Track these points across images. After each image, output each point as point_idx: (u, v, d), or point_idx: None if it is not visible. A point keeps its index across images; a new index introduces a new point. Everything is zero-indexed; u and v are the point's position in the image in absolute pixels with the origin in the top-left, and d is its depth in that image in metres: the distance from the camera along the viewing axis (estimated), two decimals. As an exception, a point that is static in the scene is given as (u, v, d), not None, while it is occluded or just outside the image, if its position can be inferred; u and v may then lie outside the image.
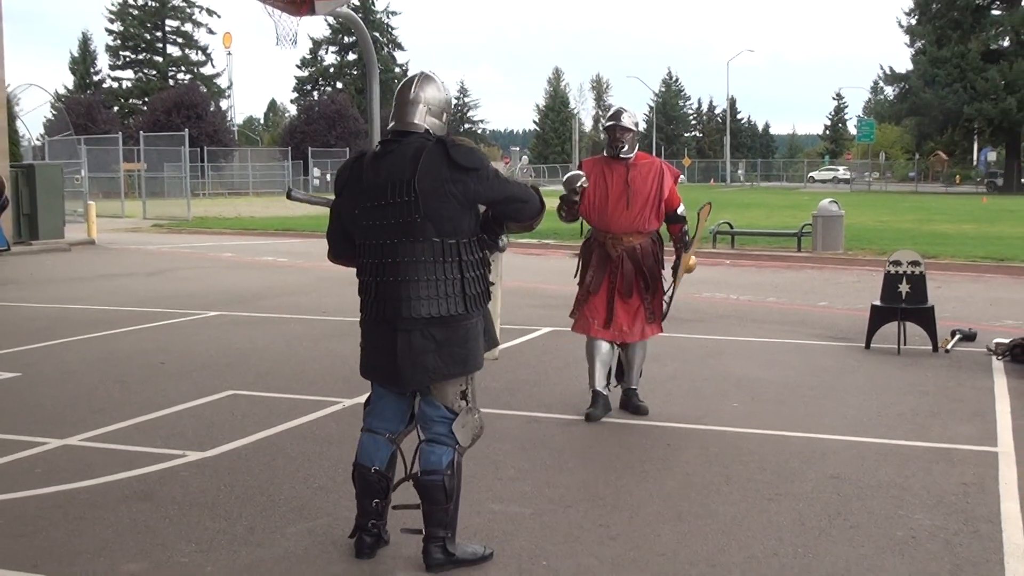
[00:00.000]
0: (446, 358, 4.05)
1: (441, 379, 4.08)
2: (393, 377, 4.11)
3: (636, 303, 6.54)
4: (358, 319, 4.24)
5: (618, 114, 6.63)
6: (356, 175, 4.14)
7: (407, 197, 3.97)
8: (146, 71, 79.17)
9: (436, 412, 4.13)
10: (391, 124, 4.17)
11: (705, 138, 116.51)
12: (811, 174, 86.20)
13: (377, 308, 4.08)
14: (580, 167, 6.53)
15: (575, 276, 6.82)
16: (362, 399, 7.06)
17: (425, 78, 4.23)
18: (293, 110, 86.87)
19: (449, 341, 4.05)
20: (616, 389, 6.87)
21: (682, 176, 7.29)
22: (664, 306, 6.71)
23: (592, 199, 6.49)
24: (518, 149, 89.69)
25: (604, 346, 6.63)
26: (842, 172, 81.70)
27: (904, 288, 9.12)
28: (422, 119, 4.13)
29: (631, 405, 6.80)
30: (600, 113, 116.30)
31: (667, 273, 6.78)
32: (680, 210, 6.64)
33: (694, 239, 6.82)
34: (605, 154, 6.66)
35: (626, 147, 6.53)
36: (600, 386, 6.66)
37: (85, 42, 79.16)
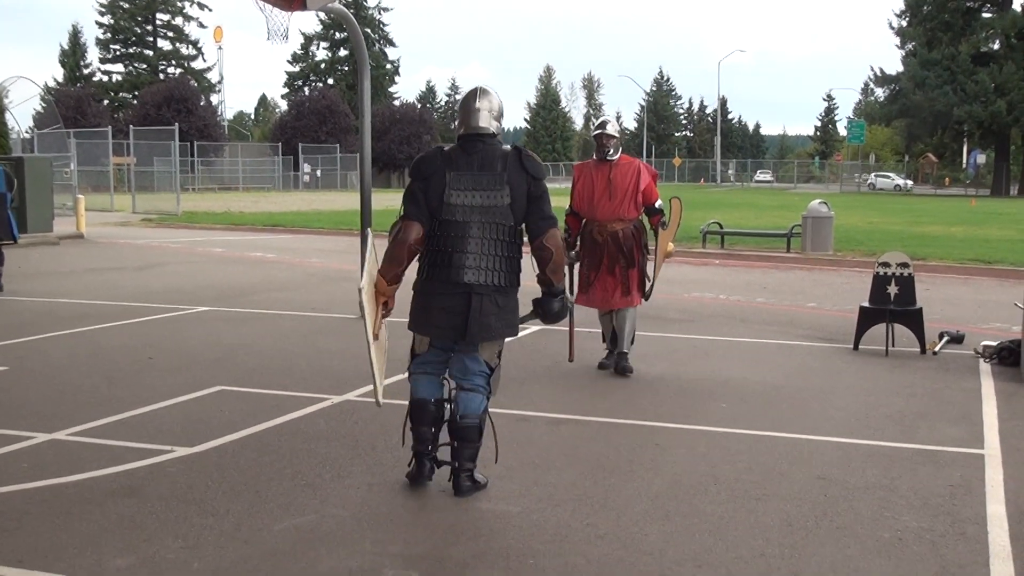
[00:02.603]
0: (502, 321, 4.96)
1: (497, 338, 4.98)
2: (459, 333, 4.89)
3: (618, 276, 7.85)
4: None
5: (604, 124, 8.03)
6: (446, 162, 4.92)
7: (498, 187, 4.87)
8: (136, 65, 78.94)
9: (478, 367, 4.98)
10: (462, 129, 5.01)
11: (696, 138, 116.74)
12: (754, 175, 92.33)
13: (452, 273, 4.85)
14: (573, 171, 8.16)
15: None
16: (351, 395, 7.11)
17: (483, 91, 5.09)
18: (284, 105, 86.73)
19: (506, 308, 4.97)
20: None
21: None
22: (647, 284, 8.05)
23: (583, 195, 7.95)
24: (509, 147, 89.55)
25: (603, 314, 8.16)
26: (761, 175, 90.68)
27: (893, 290, 9.14)
28: (488, 123, 5.00)
29: (618, 366, 8.01)
30: (591, 112, 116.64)
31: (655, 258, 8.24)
32: (658, 204, 7.94)
33: (668, 223, 8.10)
34: (595, 157, 8.02)
35: (611, 151, 7.91)
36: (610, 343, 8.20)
37: (75, 35, 78.91)
